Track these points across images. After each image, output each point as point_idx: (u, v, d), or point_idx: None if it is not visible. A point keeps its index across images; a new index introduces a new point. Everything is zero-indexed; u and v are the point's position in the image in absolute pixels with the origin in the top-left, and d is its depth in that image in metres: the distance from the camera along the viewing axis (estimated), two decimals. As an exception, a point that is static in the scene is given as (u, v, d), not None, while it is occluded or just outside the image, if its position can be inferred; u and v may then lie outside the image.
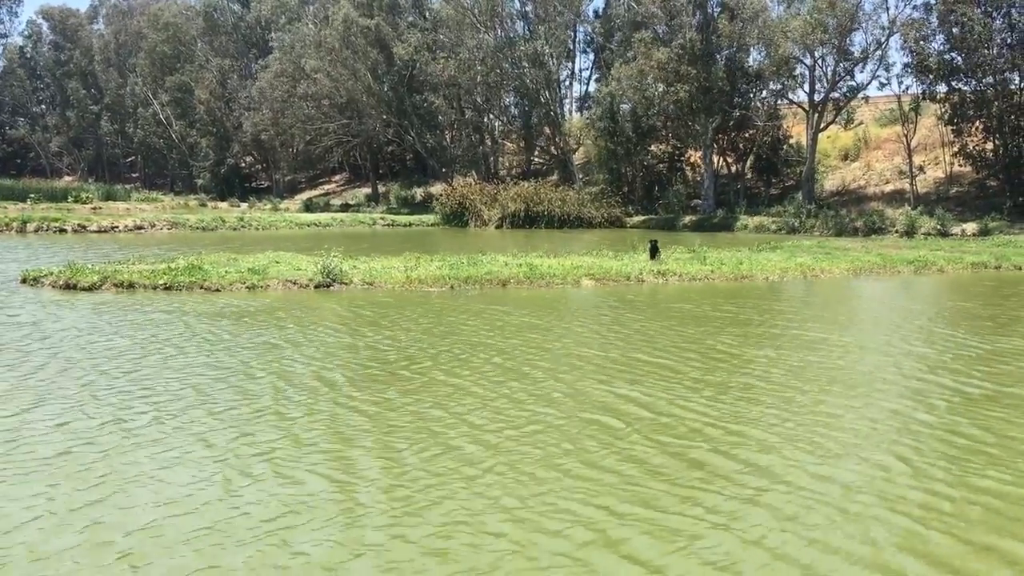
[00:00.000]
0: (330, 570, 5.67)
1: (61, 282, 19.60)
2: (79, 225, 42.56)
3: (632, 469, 7.49)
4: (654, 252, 24.38)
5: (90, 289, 19.10)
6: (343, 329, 14.48)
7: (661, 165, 55.55)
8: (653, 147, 55.55)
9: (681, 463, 7.65)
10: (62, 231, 41.18)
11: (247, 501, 6.77)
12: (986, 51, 41.47)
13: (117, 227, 43.27)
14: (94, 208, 56.50)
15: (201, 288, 19.26)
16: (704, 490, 7.01)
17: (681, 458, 7.77)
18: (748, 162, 53.51)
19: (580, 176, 57.92)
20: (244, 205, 65.90)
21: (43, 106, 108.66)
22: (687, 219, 48.20)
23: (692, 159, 55.17)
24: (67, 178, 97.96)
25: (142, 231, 43.43)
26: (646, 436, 8.41)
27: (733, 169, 54.01)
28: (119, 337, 13.54)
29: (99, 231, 42.13)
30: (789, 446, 8.13)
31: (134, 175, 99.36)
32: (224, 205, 66.66)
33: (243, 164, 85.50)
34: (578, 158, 62.09)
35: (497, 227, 48.38)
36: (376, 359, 12.07)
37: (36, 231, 40.60)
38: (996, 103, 41.94)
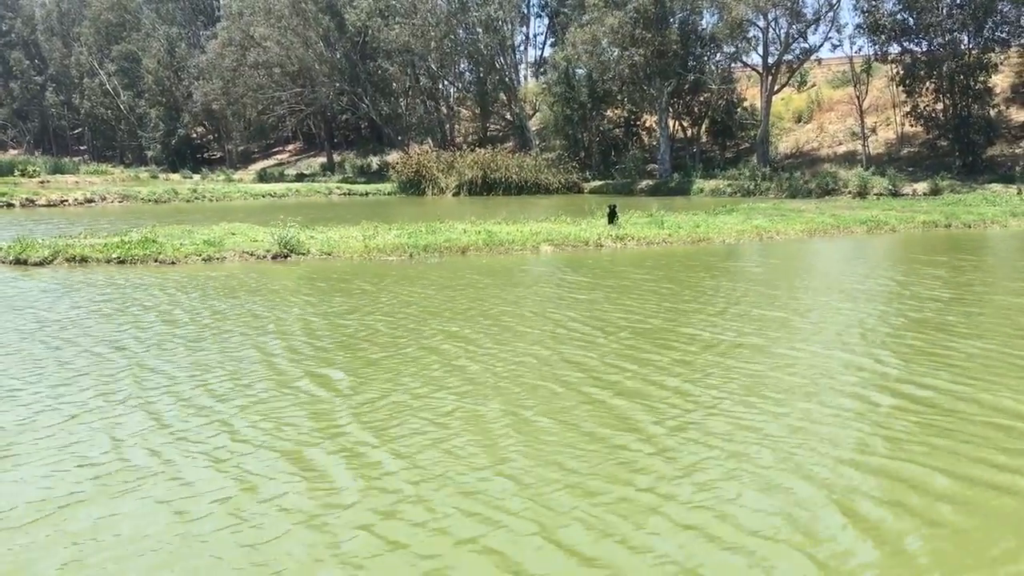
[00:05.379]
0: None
1: (11, 257, 19.21)
2: (27, 199, 41.69)
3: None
4: (612, 217, 24.47)
5: (41, 264, 18.74)
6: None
7: (617, 130, 55.56)
8: (609, 112, 55.49)
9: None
10: (9, 205, 40.34)
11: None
12: (937, 11, 41.92)
13: (67, 201, 42.48)
14: (42, 182, 55.26)
15: (156, 261, 18.98)
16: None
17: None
18: (703, 126, 53.72)
19: (537, 142, 57.74)
20: (197, 176, 64.67)
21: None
22: (644, 184, 48.33)
23: (648, 124, 55.26)
24: (12, 151, 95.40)
25: (92, 204, 42.67)
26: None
27: (688, 133, 54.19)
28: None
29: (48, 205, 41.33)
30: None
31: (82, 148, 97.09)
32: (176, 177, 65.41)
33: (194, 135, 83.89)
34: (534, 124, 61.87)
35: (455, 195, 48.16)
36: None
37: (-18, 206, 39.74)
38: (946, 63, 42.42)
